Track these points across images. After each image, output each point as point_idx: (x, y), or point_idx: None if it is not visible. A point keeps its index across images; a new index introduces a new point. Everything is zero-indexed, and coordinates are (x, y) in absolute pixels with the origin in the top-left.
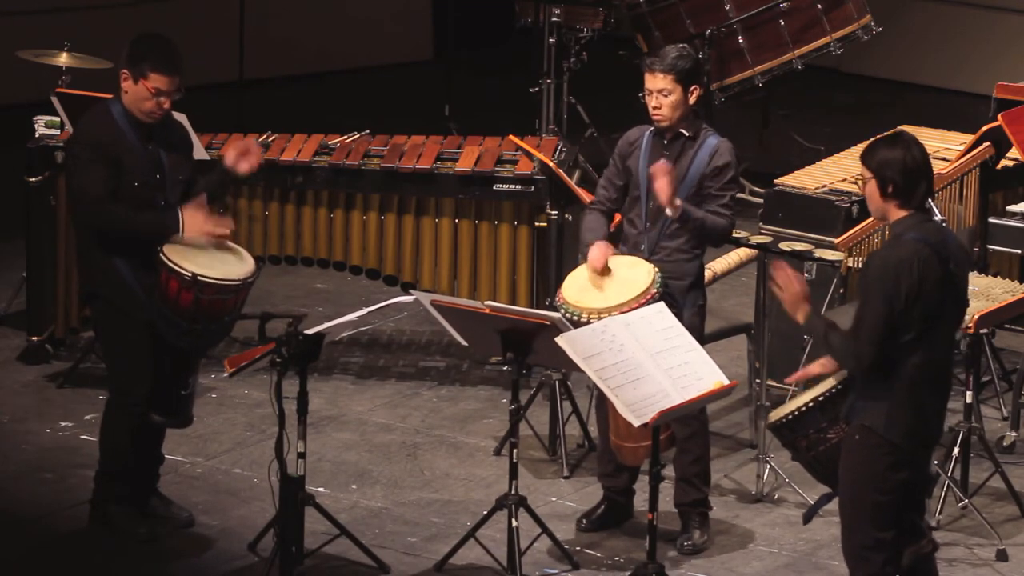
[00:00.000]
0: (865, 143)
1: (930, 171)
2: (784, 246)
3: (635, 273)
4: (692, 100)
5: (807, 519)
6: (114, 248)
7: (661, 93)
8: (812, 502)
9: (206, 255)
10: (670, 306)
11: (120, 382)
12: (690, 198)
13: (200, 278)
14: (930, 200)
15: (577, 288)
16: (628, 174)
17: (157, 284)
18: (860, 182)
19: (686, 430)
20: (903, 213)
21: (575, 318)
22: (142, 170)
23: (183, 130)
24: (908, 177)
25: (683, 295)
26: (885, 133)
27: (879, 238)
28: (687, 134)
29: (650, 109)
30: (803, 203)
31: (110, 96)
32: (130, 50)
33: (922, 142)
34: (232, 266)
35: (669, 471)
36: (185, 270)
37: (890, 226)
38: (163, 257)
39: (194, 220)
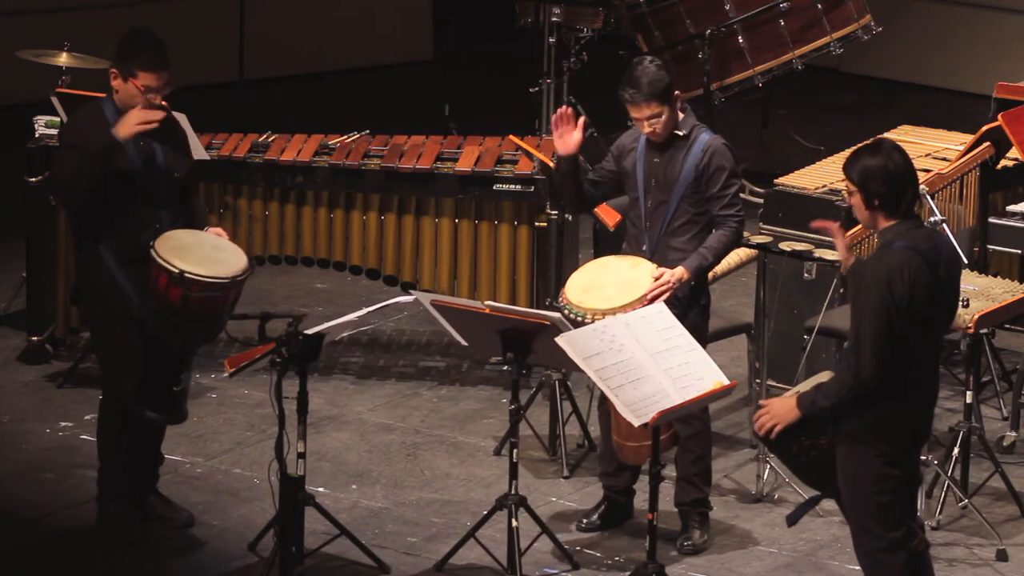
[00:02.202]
0: (859, 146)
1: (914, 177)
2: (784, 246)
3: (637, 273)
4: (679, 106)
5: (792, 522)
6: (104, 245)
7: (652, 119)
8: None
9: (198, 251)
10: (672, 306)
11: (109, 379)
12: (689, 197)
13: (187, 275)
14: (930, 200)
15: (580, 289)
16: (624, 176)
17: (149, 281)
18: (845, 193)
19: (688, 429)
20: (891, 221)
21: (578, 319)
22: (131, 167)
23: (179, 128)
24: (892, 187)
25: (685, 294)
26: (866, 142)
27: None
28: (680, 134)
29: (644, 132)
30: (803, 203)
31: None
32: (119, 48)
33: (922, 142)
34: (223, 264)
35: (669, 471)
36: (173, 266)
37: (878, 234)
38: (153, 253)
39: (124, 121)
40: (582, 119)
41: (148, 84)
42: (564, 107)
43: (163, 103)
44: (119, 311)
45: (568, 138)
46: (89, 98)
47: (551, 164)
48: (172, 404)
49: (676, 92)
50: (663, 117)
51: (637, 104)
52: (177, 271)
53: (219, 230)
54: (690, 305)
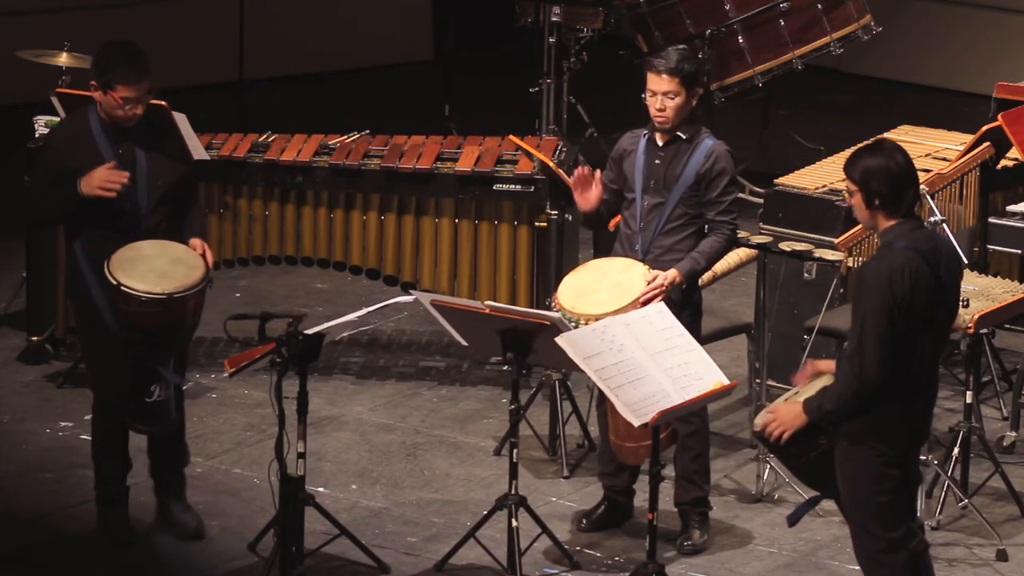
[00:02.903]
0: (860, 146)
1: (915, 177)
2: (784, 246)
3: (629, 276)
4: (695, 103)
5: (792, 522)
6: (81, 250)
7: (667, 96)
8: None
9: (149, 265)
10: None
11: (95, 385)
12: (687, 199)
13: (123, 288)
14: (930, 200)
15: (572, 294)
16: (623, 178)
17: None
18: (846, 193)
19: (687, 427)
20: (892, 222)
21: (572, 324)
22: None
23: (175, 134)
24: (893, 186)
25: (678, 294)
26: (866, 142)
27: (877, 239)
28: (683, 137)
29: (652, 111)
30: (803, 203)
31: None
32: (95, 61)
33: (922, 142)
34: (169, 279)
35: (669, 471)
36: (113, 278)
37: (879, 235)
38: (105, 264)
39: (89, 178)
40: (598, 174)
41: (126, 96)
42: (582, 168)
43: (162, 103)
44: (96, 316)
45: (588, 195)
46: (90, 98)
47: (551, 164)
48: (150, 415)
49: (698, 89)
50: (677, 100)
51: (659, 73)
52: (115, 283)
53: (197, 242)
54: (683, 306)
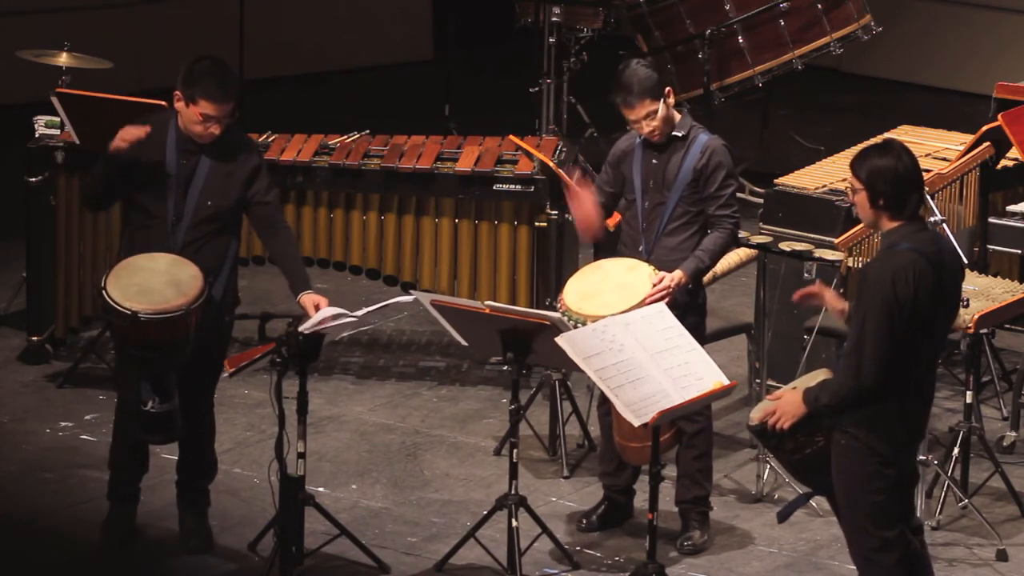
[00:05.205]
0: (861, 145)
1: (921, 180)
2: (784, 246)
3: (635, 277)
4: (672, 101)
5: (782, 518)
6: (124, 249)
7: (648, 117)
8: (810, 503)
9: (143, 277)
10: (670, 306)
11: (117, 387)
12: (687, 197)
13: (103, 291)
14: (930, 199)
15: (579, 295)
16: (622, 180)
17: None
18: (849, 191)
19: (693, 426)
20: (896, 223)
21: (578, 325)
22: (155, 178)
23: (248, 161)
24: (899, 188)
25: (683, 294)
26: (874, 140)
27: (878, 239)
28: (679, 135)
29: (644, 134)
30: (803, 203)
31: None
32: (185, 72)
33: (922, 142)
34: (145, 298)
35: (669, 471)
36: (105, 278)
37: (882, 236)
38: (110, 264)
39: (120, 132)
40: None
41: (207, 113)
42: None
43: (161, 103)
44: None
45: (584, 208)
46: (90, 98)
47: (551, 164)
48: (149, 424)
49: (668, 88)
50: (658, 114)
51: (631, 105)
52: (101, 285)
53: (312, 301)
54: (688, 306)
